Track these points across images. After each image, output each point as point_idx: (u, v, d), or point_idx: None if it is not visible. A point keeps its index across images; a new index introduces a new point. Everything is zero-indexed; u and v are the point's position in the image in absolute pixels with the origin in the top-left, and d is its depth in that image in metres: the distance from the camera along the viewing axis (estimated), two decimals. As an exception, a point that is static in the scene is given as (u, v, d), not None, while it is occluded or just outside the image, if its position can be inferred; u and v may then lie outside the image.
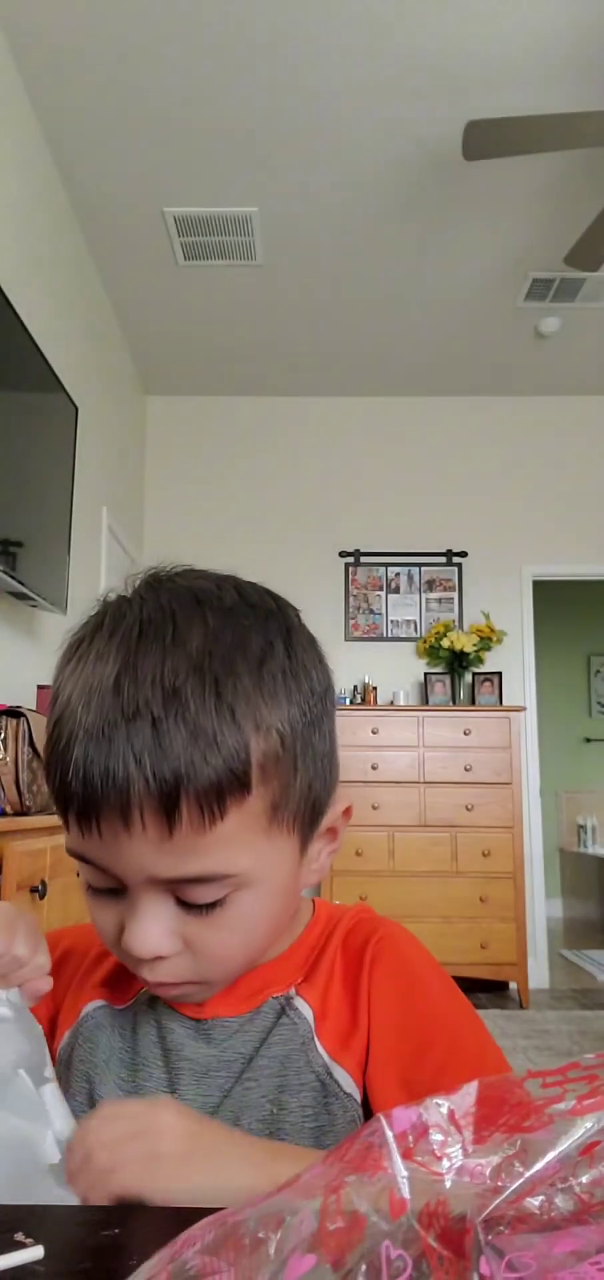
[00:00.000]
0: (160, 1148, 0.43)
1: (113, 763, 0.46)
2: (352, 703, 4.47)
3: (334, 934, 0.61)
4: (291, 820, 0.52)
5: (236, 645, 0.49)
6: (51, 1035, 0.64)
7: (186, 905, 0.50)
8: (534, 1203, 0.24)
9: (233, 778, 0.47)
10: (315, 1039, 0.56)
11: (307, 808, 0.53)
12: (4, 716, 1.96)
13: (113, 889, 0.52)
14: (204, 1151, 0.44)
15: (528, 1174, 0.25)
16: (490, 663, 4.65)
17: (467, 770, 4.20)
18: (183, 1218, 0.31)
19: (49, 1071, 0.51)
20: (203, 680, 0.47)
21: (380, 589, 4.81)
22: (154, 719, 0.46)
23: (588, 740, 7.21)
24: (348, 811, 0.58)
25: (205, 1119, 0.48)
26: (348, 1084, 0.55)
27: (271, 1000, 0.57)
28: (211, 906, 0.50)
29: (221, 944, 0.52)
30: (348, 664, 4.66)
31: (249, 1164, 0.45)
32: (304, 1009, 0.57)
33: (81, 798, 0.48)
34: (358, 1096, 0.55)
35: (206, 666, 0.48)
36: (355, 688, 4.55)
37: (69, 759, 0.48)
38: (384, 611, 4.79)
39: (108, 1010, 0.61)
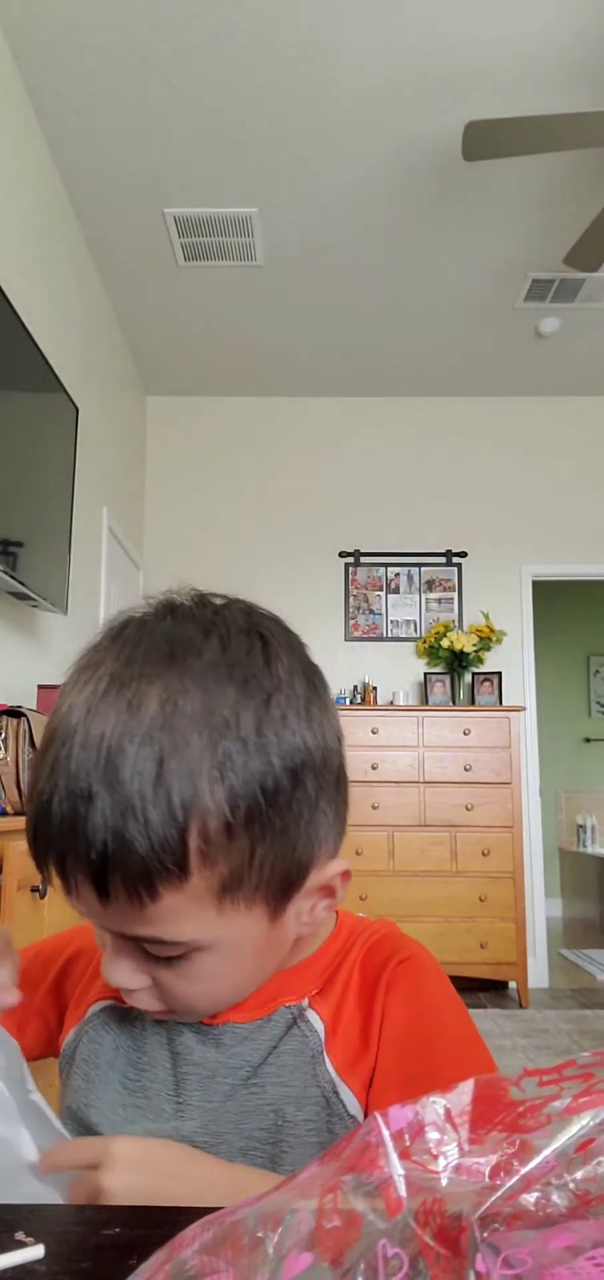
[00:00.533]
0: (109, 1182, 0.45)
1: (54, 824, 0.46)
2: (351, 703, 4.47)
3: (354, 948, 0.60)
4: (251, 895, 0.49)
5: (196, 716, 0.46)
6: (59, 1026, 0.64)
7: (151, 954, 0.50)
8: (530, 1199, 0.25)
9: (162, 863, 0.45)
10: (325, 1054, 0.55)
11: (272, 884, 0.50)
12: (4, 716, 1.96)
13: None
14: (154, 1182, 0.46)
15: (524, 1171, 0.25)
16: (490, 663, 4.65)
17: (466, 770, 4.20)
18: (182, 1217, 0.31)
19: (29, 1084, 0.52)
20: (146, 754, 0.45)
21: (380, 589, 4.81)
22: (91, 792, 0.45)
23: (588, 740, 7.21)
24: (346, 874, 0.55)
25: (159, 1148, 0.48)
26: (353, 1105, 0.54)
27: (284, 1009, 0.57)
28: (172, 960, 0.50)
29: (187, 992, 0.52)
30: (348, 664, 4.66)
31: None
32: (316, 1022, 0.56)
33: (33, 843, 0.49)
34: (361, 1119, 0.54)
35: (154, 739, 0.45)
36: (355, 688, 4.55)
37: (28, 802, 0.49)
38: (384, 611, 4.79)
39: (116, 1009, 0.61)
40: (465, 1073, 0.54)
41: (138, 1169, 0.45)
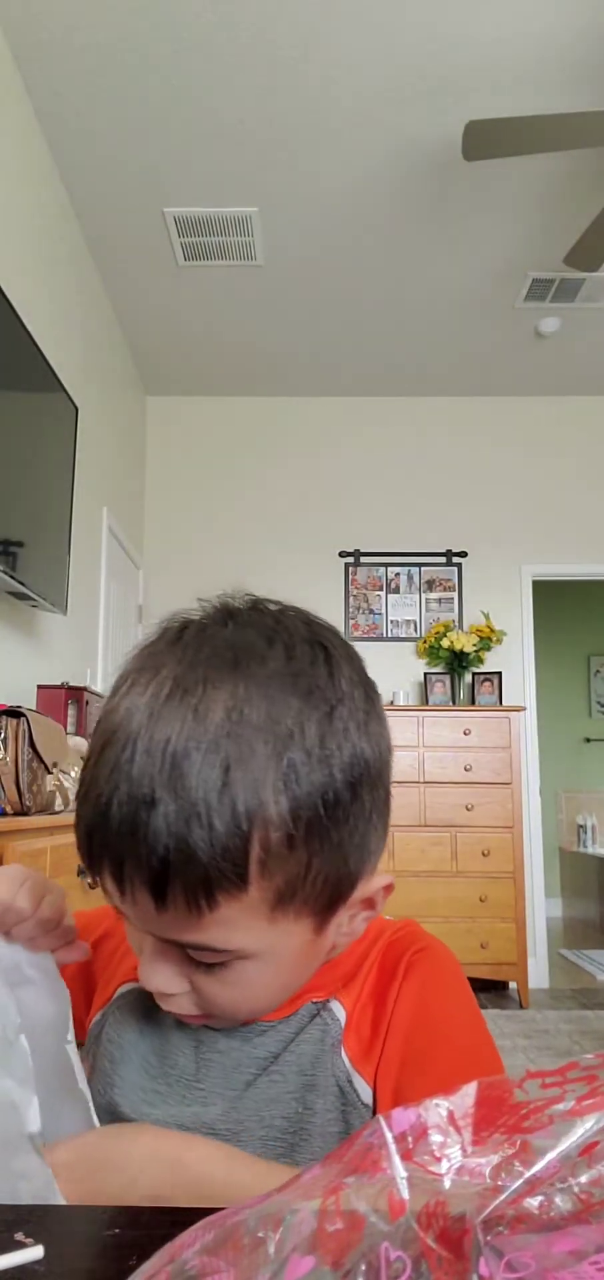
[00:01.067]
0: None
1: (112, 828, 0.46)
2: (351, 703, 4.47)
3: (377, 944, 0.61)
4: (301, 908, 0.49)
5: (261, 725, 0.46)
6: (87, 1008, 0.65)
7: (193, 960, 0.50)
8: (533, 1203, 0.24)
9: (224, 873, 0.45)
10: (342, 1044, 0.56)
11: (322, 896, 0.50)
12: (4, 716, 1.96)
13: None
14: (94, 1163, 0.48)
15: (527, 1174, 0.25)
16: (490, 663, 4.65)
17: (466, 770, 4.20)
18: (183, 1218, 0.31)
19: (70, 1035, 0.53)
20: (212, 760, 0.45)
21: (380, 589, 4.81)
22: (154, 798, 0.44)
23: (588, 740, 7.21)
24: (389, 888, 0.55)
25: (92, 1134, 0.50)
26: (366, 1094, 0.55)
27: (309, 1005, 0.57)
28: (214, 966, 0.50)
29: (226, 999, 0.52)
30: (348, 664, 4.66)
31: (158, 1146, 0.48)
32: (338, 1010, 0.57)
33: (87, 848, 0.48)
34: (372, 1106, 0.55)
35: (219, 746, 0.45)
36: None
37: (84, 808, 0.48)
38: (384, 611, 4.79)
39: (142, 993, 0.60)
40: (465, 1061, 0.53)
41: (70, 1174, 0.46)
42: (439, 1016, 0.56)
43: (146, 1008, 0.60)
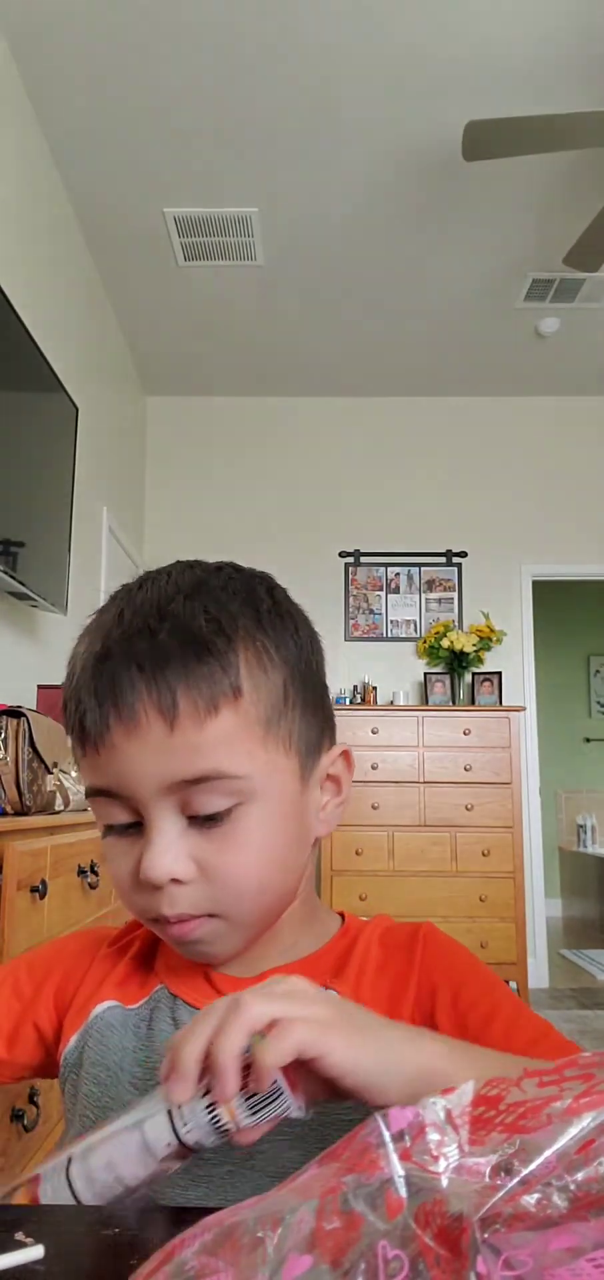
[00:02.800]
0: (323, 1016, 0.42)
1: (118, 673, 0.51)
2: (351, 702, 4.47)
3: (360, 936, 0.62)
4: (288, 739, 0.56)
5: (223, 587, 0.56)
6: (55, 1043, 0.63)
7: (197, 825, 0.53)
8: (531, 1200, 0.24)
9: (223, 676, 0.52)
10: None
11: (301, 736, 0.57)
12: (4, 716, 1.96)
13: (130, 825, 0.54)
14: (364, 1028, 0.43)
15: (525, 1172, 0.25)
16: (490, 663, 4.65)
17: (466, 770, 4.20)
18: (183, 1218, 0.31)
19: None
20: (194, 600, 0.54)
21: (380, 589, 4.81)
22: (151, 630, 0.52)
23: (588, 740, 7.21)
24: (348, 757, 0.62)
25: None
26: None
27: None
28: (218, 820, 0.53)
29: (232, 863, 0.53)
30: (348, 664, 4.67)
31: (410, 1045, 0.44)
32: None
33: (96, 715, 0.52)
34: None
35: (198, 593, 0.54)
36: (355, 688, 4.55)
37: (80, 686, 0.54)
38: (384, 611, 4.79)
39: (119, 1010, 0.60)
40: (518, 1009, 0.56)
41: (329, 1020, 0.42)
42: (482, 984, 0.58)
43: (125, 1024, 0.60)
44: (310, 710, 0.58)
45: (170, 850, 0.52)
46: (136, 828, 0.54)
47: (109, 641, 0.53)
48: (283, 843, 0.56)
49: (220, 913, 0.54)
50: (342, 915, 0.65)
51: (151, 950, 0.65)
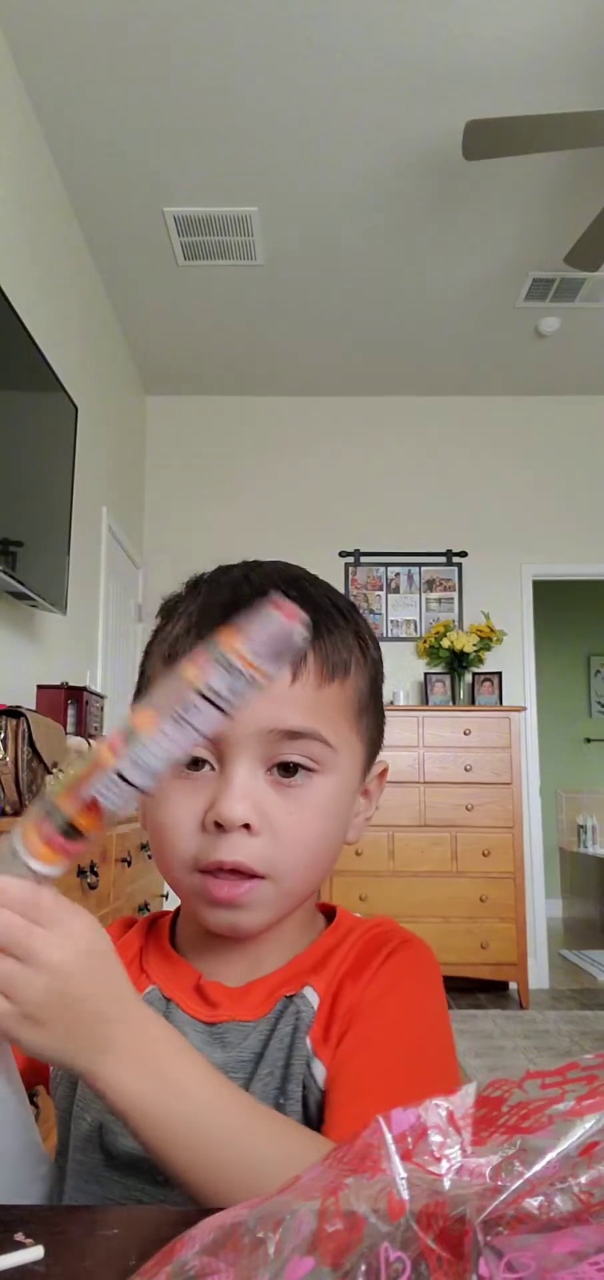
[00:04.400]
0: (28, 1006, 0.41)
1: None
2: (352, 703, 4.47)
3: (350, 934, 0.61)
4: (365, 734, 0.61)
5: (321, 586, 0.62)
6: None
7: (274, 780, 0.55)
8: (533, 1203, 0.24)
9: (343, 652, 0.58)
10: (311, 1029, 0.55)
11: (372, 735, 0.62)
12: (4, 716, 1.96)
13: (200, 764, 0.55)
14: (72, 1025, 0.42)
15: (527, 1174, 0.25)
16: (490, 663, 4.65)
17: (467, 770, 4.20)
18: (183, 1218, 0.31)
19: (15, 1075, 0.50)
20: (316, 585, 0.60)
21: (380, 589, 4.81)
22: (284, 591, 0.53)
23: (588, 740, 7.21)
24: (384, 775, 0.65)
25: (102, 979, 0.44)
26: (323, 1078, 0.54)
27: (284, 999, 0.57)
28: (294, 776, 0.55)
29: (295, 823, 0.55)
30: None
31: (128, 1061, 0.43)
32: (311, 996, 0.57)
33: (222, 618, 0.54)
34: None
35: (312, 581, 0.61)
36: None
37: (209, 613, 0.57)
38: (384, 611, 4.79)
39: None
40: (408, 1055, 0.54)
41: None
42: (399, 1004, 0.56)
43: None
44: (378, 716, 0.63)
45: (249, 795, 0.54)
46: (208, 769, 0.55)
47: (240, 591, 0.56)
48: (338, 825, 0.59)
49: (274, 875, 0.55)
50: (333, 910, 0.65)
51: (144, 951, 0.64)
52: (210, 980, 0.59)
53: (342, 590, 4.74)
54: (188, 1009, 0.58)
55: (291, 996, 0.57)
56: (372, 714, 0.62)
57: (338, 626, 0.58)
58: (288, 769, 0.55)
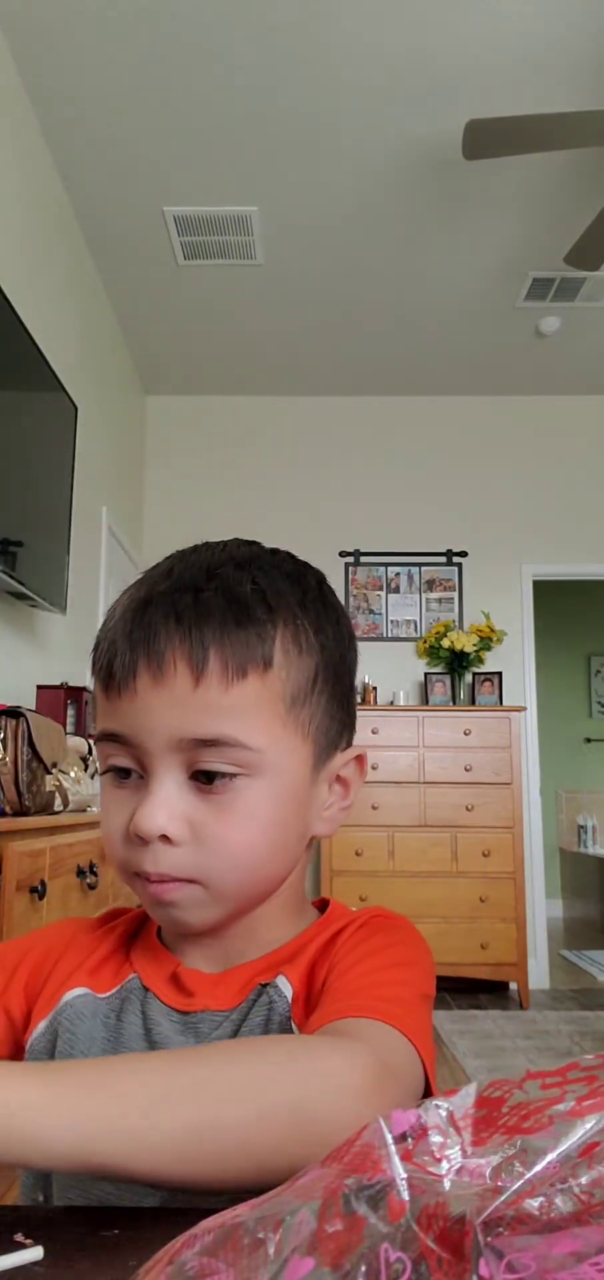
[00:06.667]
0: None
1: (155, 620, 0.53)
2: (352, 703, 4.47)
3: (336, 924, 0.60)
4: (307, 725, 0.56)
5: (276, 565, 0.58)
6: (24, 1030, 0.61)
7: (199, 787, 0.53)
8: (534, 1204, 0.24)
9: (258, 645, 0.53)
10: (290, 1019, 0.55)
11: (321, 727, 0.57)
12: (3, 716, 1.96)
13: (130, 774, 0.54)
14: None
15: (528, 1175, 0.25)
16: (490, 663, 4.65)
17: (467, 770, 4.20)
18: (183, 1218, 0.31)
19: None
20: (243, 571, 0.55)
21: (380, 589, 4.81)
22: (197, 588, 0.53)
23: (588, 740, 7.21)
24: (361, 762, 0.61)
25: None
26: None
27: (257, 988, 0.57)
28: (219, 786, 0.52)
29: (224, 832, 0.53)
30: (348, 664, 4.66)
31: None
32: (285, 987, 0.56)
33: (126, 659, 0.53)
34: None
35: (245, 566, 0.56)
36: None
37: (115, 629, 0.55)
38: (384, 611, 4.79)
39: (89, 998, 0.59)
40: (368, 981, 0.52)
41: None
42: (364, 949, 0.56)
43: (94, 1014, 0.59)
44: (335, 704, 0.59)
45: (166, 806, 0.52)
46: (136, 779, 0.54)
47: (153, 591, 0.54)
48: (280, 826, 0.55)
49: (202, 880, 0.53)
50: (326, 903, 0.64)
51: (128, 937, 0.64)
52: (189, 968, 0.58)
53: (341, 591, 4.74)
54: (164, 998, 0.58)
55: (264, 986, 0.56)
56: (322, 698, 0.57)
57: (252, 618, 0.53)
58: (209, 776, 0.52)
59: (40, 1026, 0.59)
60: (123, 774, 0.55)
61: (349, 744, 0.62)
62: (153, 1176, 0.38)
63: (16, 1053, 0.62)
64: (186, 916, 0.55)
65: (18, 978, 0.63)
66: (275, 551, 0.61)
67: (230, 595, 0.53)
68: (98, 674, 0.56)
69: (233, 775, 0.52)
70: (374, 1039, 0.46)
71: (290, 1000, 0.55)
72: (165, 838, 0.52)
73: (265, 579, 0.56)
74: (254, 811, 0.53)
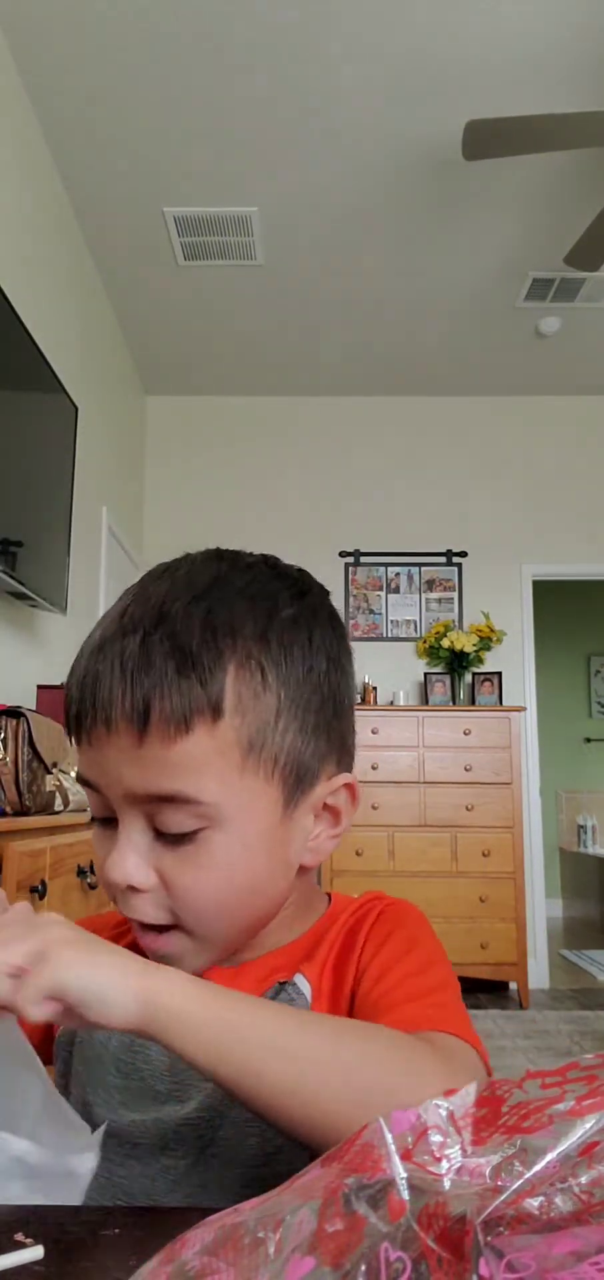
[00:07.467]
0: (58, 967, 0.41)
1: (102, 668, 0.50)
2: (352, 703, 4.47)
3: (340, 917, 0.61)
4: (271, 768, 0.52)
5: (241, 590, 0.53)
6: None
7: (162, 836, 0.51)
8: (534, 1203, 0.24)
9: (203, 697, 0.49)
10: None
11: (290, 763, 0.53)
12: (4, 716, 1.96)
13: (108, 819, 0.54)
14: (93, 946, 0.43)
15: (527, 1174, 0.25)
16: (490, 663, 4.65)
17: (467, 770, 4.20)
18: (183, 1218, 0.31)
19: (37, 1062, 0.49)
20: (196, 606, 0.51)
21: (380, 589, 4.81)
22: (144, 633, 0.50)
23: (588, 740, 7.21)
24: (352, 790, 0.58)
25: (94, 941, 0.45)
26: None
27: (276, 985, 0.57)
28: (184, 839, 0.51)
29: (193, 883, 0.52)
30: (348, 664, 4.66)
31: (139, 973, 0.42)
32: (303, 985, 0.57)
33: (77, 702, 0.52)
34: None
35: (204, 596, 0.52)
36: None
37: (74, 674, 0.53)
38: (384, 611, 4.79)
39: None
40: (415, 974, 0.53)
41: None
42: (397, 942, 0.56)
43: None
44: (312, 733, 0.55)
45: (131, 857, 0.51)
46: (113, 825, 0.53)
47: (105, 636, 0.52)
48: (250, 872, 0.54)
49: (182, 926, 0.53)
50: (328, 897, 0.65)
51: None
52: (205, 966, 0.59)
53: (341, 591, 4.74)
54: None
55: (284, 984, 0.57)
56: (289, 733, 0.53)
57: (197, 664, 0.49)
58: (168, 832, 0.51)
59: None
60: (107, 821, 0.54)
61: (341, 768, 0.58)
62: (269, 1088, 0.41)
63: (48, 1041, 0.63)
64: (184, 964, 0.55)
65: None
66: (250, 566, 0.56)
67: (175, 640, 0.49)
68: (65, 715, 0.55)
69: (193, 831, 0.51)
70: (446, 1049, 0.47)
71: (310, 999, 0.56)
72: (133, 887, 0.52)
73: (224, 610, 0.51)
74: (220, 862, 0.52)
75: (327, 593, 0.61)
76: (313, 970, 0.57)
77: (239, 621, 0.52)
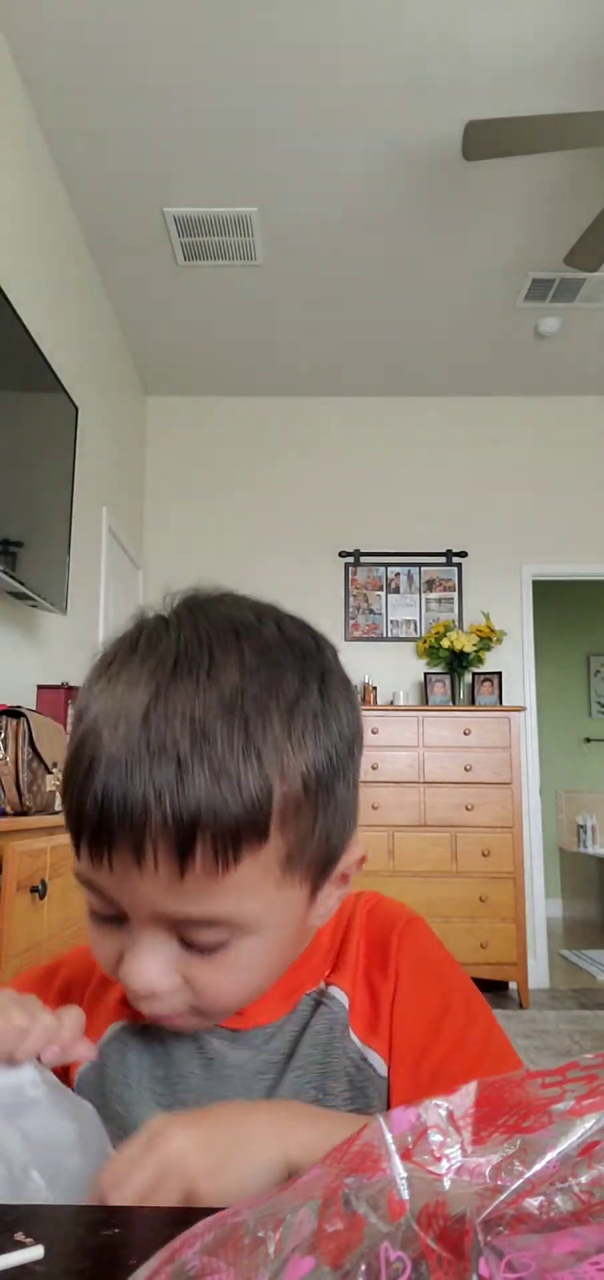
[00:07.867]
0: (187, 1175, 0.41)
1: (132, 795, 0.45)
2: (351, 703, 4.47)
3: (352, 923, 0.61)
4: (305, 871, 0.51)
5: (271, 685, 0.48)
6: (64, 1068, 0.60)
7: (190, 946, 0.49)
8: (534, 1203, 0.24)
9: (252, 824, 0.46)
10: (349, 1026, 0.56)
11: (320, 858, 0.52)
12: (4, 716, 1.96)
13: (116, 917, 0.51)
14: (224, 1151, 0.43)
15: (527, 1174, 0.25)
16: (490, 663, 4.65)
17: (467, 770, 4.20)
18: (183, 1218, 0.31)
19: (107, 1146, 0.49)
20: (233, 721, 0.46)
21: (380, 589, 4.81)
22: (179, 757, 0.45)
23: (588, 740, 7.21)
24: (362, 860, 0.57)
25: (210, 1114, 0.45)
26: (381, 1066, 0.56)
27: (306, 997, 0.58)
28: (215, 948, 0.49)
29: (219, 985, 0.51)
30: (348, 664, 4.63)
31: (274, 1135, 0.44)
32: (340, 996, 0.57)
33: (96, 825, 0.46)
34: (386, 1078, 0.56)
35: (238, 707, 0.46)
36: (355, 688, 4.55)
37: (88, 784, 0.46)
38: (384, 611, 4.79)
39: (132, 1028, 0.59)
40: (470, 1021, 0.56)
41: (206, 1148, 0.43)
42: (441, 991, 0.58)
43: (140, 1040, 0.58)
44: (340, 822, 0.53)
45: (155, 967, 0.49)
46: (124, 921, 0.50)
47: (130, 745, 0.45)
48: (277, 963, 0.54)
49: (201, 1013, 0.53)
50: None
51: None
52: None
53: (341, 591, 4.74)
54: None
55: (319, 998, 0.57)
56: (321, 832, 0.51)
57: (246, 798, 0.45)
58: (198, 944, 0.49)
59: (85, 1063, 0.59)
60: (105, 919, 0.52)
61: (352, 835, 0.57)
62: None
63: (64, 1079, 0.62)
64: (191, 1030, 0.56)
65: (53, 999, 0.62)
66: (269, 646, 0.50)
67: (220, 769, 0.45)
68: (68, 811, 0.49)
69: (223, 940, 0.49)
70: None
71: (348, 1008, 0.57)
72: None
73: (260, 722, 0.47)
74: (247, 964, 0.51)
75: (335, 652, 0.57)
76: (344, 980, 0.58)
77: (278, 734, 0.48)
